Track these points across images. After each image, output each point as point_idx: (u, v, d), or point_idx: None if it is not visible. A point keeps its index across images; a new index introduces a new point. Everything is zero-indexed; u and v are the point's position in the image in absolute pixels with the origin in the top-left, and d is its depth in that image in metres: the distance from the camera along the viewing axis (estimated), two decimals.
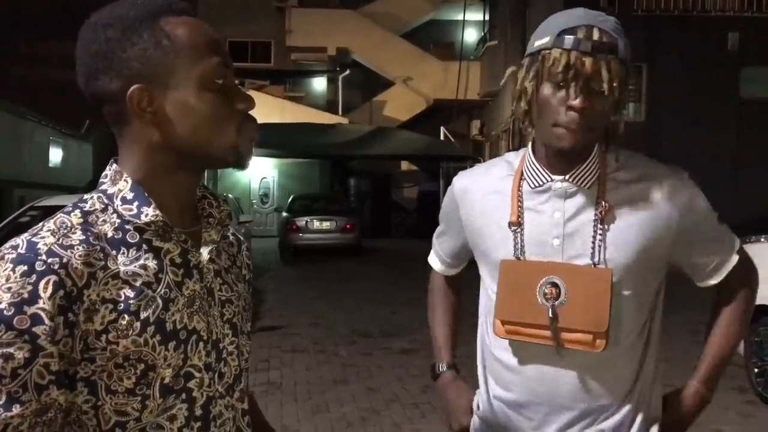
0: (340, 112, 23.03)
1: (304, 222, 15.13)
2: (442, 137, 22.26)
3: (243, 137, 0.94)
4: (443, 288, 1.67)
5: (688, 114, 14.13)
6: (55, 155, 20.93)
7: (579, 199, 1.29)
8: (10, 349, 0.78)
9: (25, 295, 0.79)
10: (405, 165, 23.69)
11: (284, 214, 16.03)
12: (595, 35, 1.19)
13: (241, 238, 1.13)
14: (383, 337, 7.22)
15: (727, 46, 14.41)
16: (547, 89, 1.22)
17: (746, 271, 1.40)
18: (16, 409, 0.78)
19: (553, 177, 1.30)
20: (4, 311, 0.78)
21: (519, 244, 1.31)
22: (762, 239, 10.00)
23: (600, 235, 1.27)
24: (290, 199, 16.99)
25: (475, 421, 1.48)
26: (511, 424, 1.38)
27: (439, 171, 19.83)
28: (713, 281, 1.37)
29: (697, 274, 1.37)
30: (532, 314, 1.28)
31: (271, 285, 10.91)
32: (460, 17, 22.42)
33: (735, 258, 1.37)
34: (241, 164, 0.96)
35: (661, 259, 1.32)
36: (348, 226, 15.38)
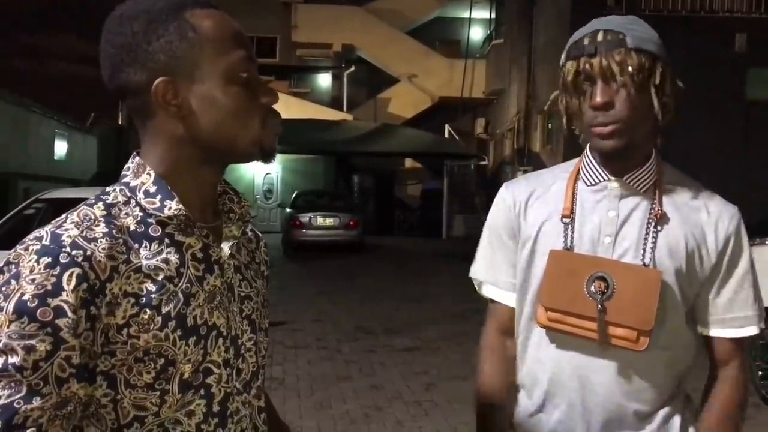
0: (344, 109, 23.03)
1: (307, 218, 15.13)
2: (446, 135, 22.26)
3: (267, 131, 0.94)
4: (502, 342, 1.45)
5: (695, 114, 14.09)
6: (60, 148, 20.96)
7: (633, 202, 1.31)
8: (33, 341, 0.77)
9: (49, 287, 0.78)
10: (409, 162, 23.69)
11: (288, 210, 16.04)
12: (599, 37, 1.23)
13: (260, 234, 1.13)
14: (386, 335, 7.21)
15: (734, 47, 14.37)
16: (574, 99, 1.29)
17: (743, 357, 1.36)
18: (36, 402, 0.77)
19: (611, 177, 1.32)
20: (28, 302, 0.78)
21: (570, 238, 1.32)
22: (767, 242, 9.96)
23: (652, 237, 1.28)
24: (294, 195, 16.99)
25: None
26: (542, 425, 1.36)
27: (443, 169, 19.81)
28: (723, 332, 1.32)
29: (714, 313, 1.32)
30: (578, 305, 1.27)
31: (274, 281, 10.87)
32: (466, 15, 22.39)
33: (755, 329, 1.33)
34: (266, 158, 0.96)
35: (699, 279, 1.31)
36: (351, 222, 15.38)
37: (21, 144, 17.57)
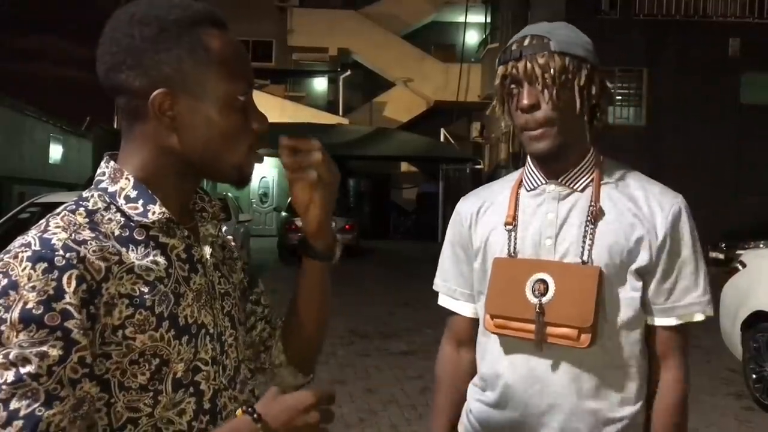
0: (340, 113, 23.05)
1: None
2: (442, 139, 22.28)
3: (250, 158, 0.96)
4: (456, 369, 1.52)
5: (689, 119, 14.14)
6: (55, 152, 20.93)
7: (572, 201, 1.34)
8: (44, 348, 0.77)
9: (51, 292, 0.78)
10: (404, 166, 23.70)
11: (283, 213, 16.03)
12: (526, 41, 1.29)
13: (217, 223, 1.12)
14: (381, 339, 7.22)
15: (728, 51, 14.44)
16: (506, 103, 1.34)
17: (685, 352, 1.35)
18: (56, 407, 0.78)
19: (548, 180, 1.35)
20: (33, 310, 0.77)
21: (513, 244, 1.35)
22: (761, 245, 10.03)
23: (590, 235, 1.30)
24: (289, 199, 16.96)
25: (465, 424, 1.48)
26: (501, 424, 1.38)
27: (438, 173, 19.84)
28: (665, 321, 1.32)
29: (657, 302, 1.31)
30: (520, 309, 1.30)
31: (269, 284, 10.89)
32: (461, 19, 22.44)
33: (700, 317, 1.32)
34: (242, 183, 0.97)
35: (644, 266, 1.30)
36: (347, 226, 15.37)
37: (16, 148, 17.53)
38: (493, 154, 20.74)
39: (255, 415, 0.83)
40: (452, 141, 22.13)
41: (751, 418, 4.83)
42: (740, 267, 5.42)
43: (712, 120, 14.10)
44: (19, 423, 0.75)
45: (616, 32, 13.42)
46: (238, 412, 0.85)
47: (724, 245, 11.75)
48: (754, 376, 5.06)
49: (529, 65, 1.26)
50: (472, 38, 23.29)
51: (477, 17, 22.44)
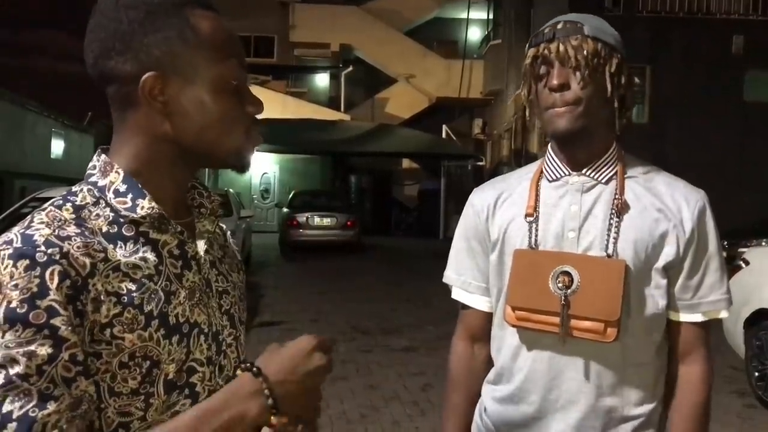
0: (342, 109, 23.03)
1: (304, 218, 15.13)
2: (444, 135, 22.27)
3: (248, 141, 0.93)
4: (469, 367, 1.48)
5: (692, 116, 14.11)
6: (57, 146, 20.94)
7: (596, 194, 1.32)
8: (32, 347, 0.75)
9: (35, 289, 0.76)
10: (406, 163, 23.69)
11: (285, 209, 16.04)
12: (559, 25, 1.29)
13: (224, 226, 1.10)
14: (383, 335, 7.22)
15: (731, 48, 14.39)
16: (533, 85, 1.33)
17: (709, 347, 1.35)
18: (52, 406, 0.75)
19: (571, 171, 1.34)
20: (17, 309, 0.75)
21: (534, 236, 1.33)
22: (763, 243, 10.01)
23: (615, 228, 1.28)
24: (291, 195, 16.99)
25: (478, 423, 1.47)
26: (516, 421, 1.37)
27: (440, 169, 19.83)
28: (691, 317, 1.32)
29: (683, 298, 1.31)
30: (543, 301, 1.28)
31: (270, 280, 10.91)
32: (463, 15, 22.40)
33: (725, 313, 1.34)
34: (242, 168, 0.94)
35: (669, 261, 1.29)
36: (349, 222, 15.38)
37: (17, 142, 17.53)
38: (495, 151, 20.72)
39: (255, 369, 0.79)
40: (454, 138, 22.12)
41: (753, 416, 4.83)
42: (743, 265, 5.41)
43: (716, 117, 14.06)
44: (12, 425, 0.73)
45: (619, 29, 13.31)
46: (238, 371, 0.82)
47: (726, 243, 11.75)
48: (756, 374, 5.05)
49: (562, 46, 1.26)
50: (474, 35, 23.25)
51: (479, 14, 22.41)
